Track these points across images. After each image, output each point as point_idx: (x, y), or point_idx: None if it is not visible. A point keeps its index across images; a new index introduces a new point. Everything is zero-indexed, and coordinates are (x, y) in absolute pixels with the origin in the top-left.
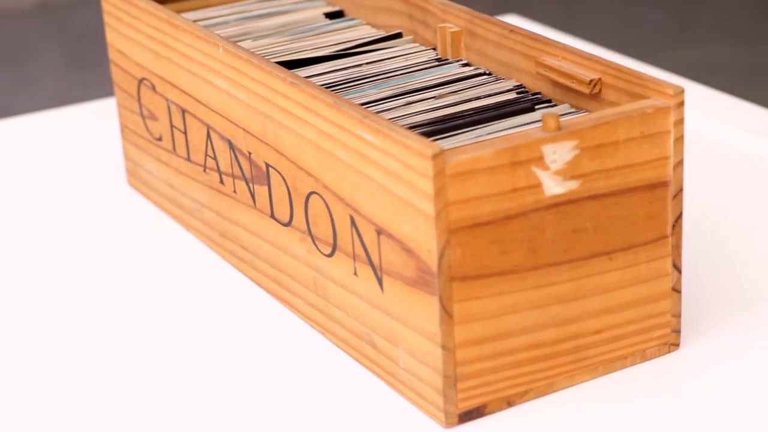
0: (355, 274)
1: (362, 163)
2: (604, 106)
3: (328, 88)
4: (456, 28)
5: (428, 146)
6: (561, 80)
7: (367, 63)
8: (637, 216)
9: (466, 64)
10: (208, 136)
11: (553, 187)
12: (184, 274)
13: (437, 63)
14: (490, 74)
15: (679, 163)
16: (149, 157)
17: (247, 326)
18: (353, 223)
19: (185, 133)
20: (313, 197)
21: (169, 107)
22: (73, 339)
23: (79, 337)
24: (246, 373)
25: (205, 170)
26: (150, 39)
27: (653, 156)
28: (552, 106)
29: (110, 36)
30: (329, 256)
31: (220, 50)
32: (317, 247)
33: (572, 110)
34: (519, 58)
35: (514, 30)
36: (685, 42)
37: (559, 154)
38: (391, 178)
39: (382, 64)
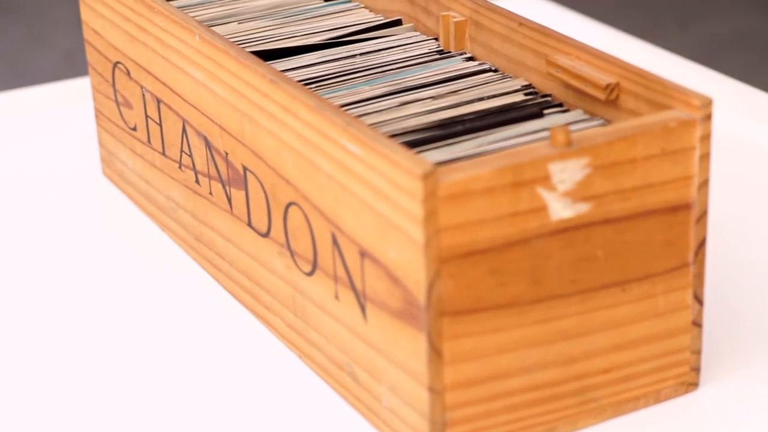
0: (337, 297)
1: (345, 176)
2: (621, 114)
3: (316, 82)
4: (460, 18)
5: (418, 164)
6: (574, 83)
7: (360, 54)
8: (654, 242)
9: (470, 59)
10: (184, 130)
11: (561, 210)
12: (156, 280)
13: (438, 56)
14: (496, 71)
15: (705, 183)
16: (124, 148)
17: (219, 342)
18: (335, 241)
19: (160, 125)
20: (293, 208)
21: (144, 96)
22: (27, 342)
23: (33, 341)
24: (216, 396)
25: (180, 167)
26: (125, 20)
27: (675, 175)
28: (563, 111)
29: (84, 13)
30: (309, 274)
31: (197, 38)
32: (296, 264)
33: (585, 117)
34: (528, 55)
35: (523, 23)
36: (707, 13)
37: (568, 173)
38: (377, 195)
39: (377, 55)
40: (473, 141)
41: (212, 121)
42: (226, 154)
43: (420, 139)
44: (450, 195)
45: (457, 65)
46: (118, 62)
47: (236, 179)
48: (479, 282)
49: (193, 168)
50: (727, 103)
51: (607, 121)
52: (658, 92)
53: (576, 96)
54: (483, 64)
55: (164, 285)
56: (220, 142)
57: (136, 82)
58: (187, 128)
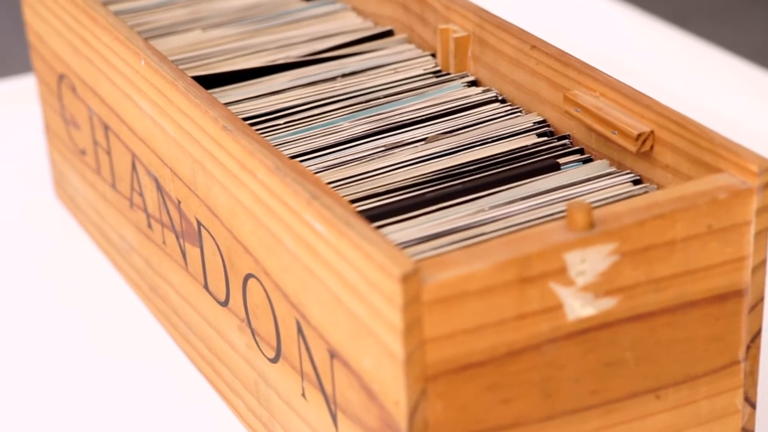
0: (304, 396)
1: (311, 257)
2: (656, 170)
3: (286, 115)
4: (462, 33)
5: (397, 261)
6: (598, 128)
7: (342, 76)
8: (696, 339)
9: (473, 83)
10: (134, 166)
11: (580, 308)
12: (104, 330)
13: (435, 79)
14: (503, 101)
15: (762, 265)
16: (74, 171)
17: (173, 415)
18: (300, 330)
19: (109, 154)
20: (252, 282)
21: (91, 118)
22: None
23: None
24: None
25: (131, 206)
26: (68, 29)
27: (724, 257)
28: (585, 160)
29: (28, 14)
30: (272, 361)
31: (142, 62)
32: (258, 346)
33: (612, 171)
34: (543, 85)
35: (536, 46)
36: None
37: (589, 263)
38: (348, 289)
39: (362, 77)
40: (472, 204)
41: (162, 161)
42: (179, 202)
43: (405, 205)
44: (438, 299)
45: (456, 92)
46: (63, 75)
47: (190, 233)
48: (476, 400)
49: (145, 210)
50: None
51: (639, 178)
52: (704, 149)
53: (601, 140)
54: (488, 91)
55: (115, 338)
56: (171, 188)
57: (83, 100)
58: (137, 164)
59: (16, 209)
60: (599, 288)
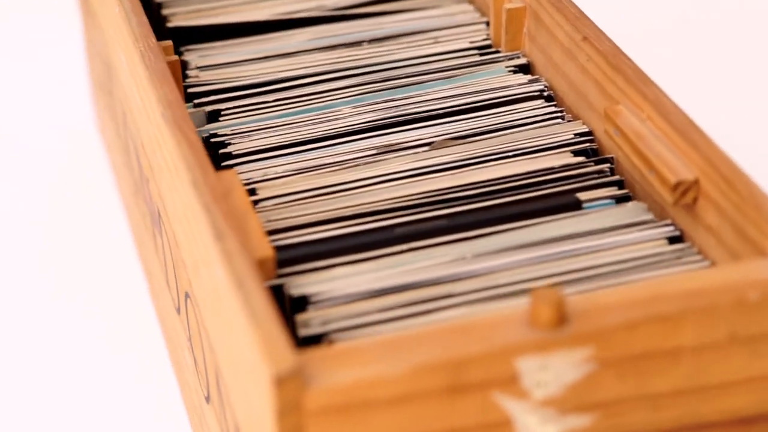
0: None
1: (217, 302)
2: (698, 229)
3: (280, 87)
4: (517, 4)
5: (273, 354)
6: (635, 161)
7: (370, 41)
8: None
9: (522, 68)
10: (125, 124)
11: (538, 426)
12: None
13: (479, 57)
14: (549, 99)
15: None
16: (107, 108)
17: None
18: (218, 384)
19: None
20: (189, 303)
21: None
22: None
23: None
24: None
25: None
26: None
27: (752, 372)
28: (618, 199)
29: None
30: (206, 400)
31: (116, 10)
32: (198, 374)
33: (647, 220)
34: (591, 87)
35: (588, 38)
36: None
37: (553, 371)
38: (240, 358)
39: (393, 45)
40: (452, 248)
41: (138, 129)
42: (147, 180)
43: (368, 241)
44: (328, 408)
45: (497, 79)
46: None
47: (155, 218)
48: None
49: (140, 171)
50: None
51: (680, 234)
52: (749, 218)
53: (643, 177)
54: (536, 81)
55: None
56: (144, 160)
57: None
58: (129, 123)
59: (55, 138)
60: (566, 403)
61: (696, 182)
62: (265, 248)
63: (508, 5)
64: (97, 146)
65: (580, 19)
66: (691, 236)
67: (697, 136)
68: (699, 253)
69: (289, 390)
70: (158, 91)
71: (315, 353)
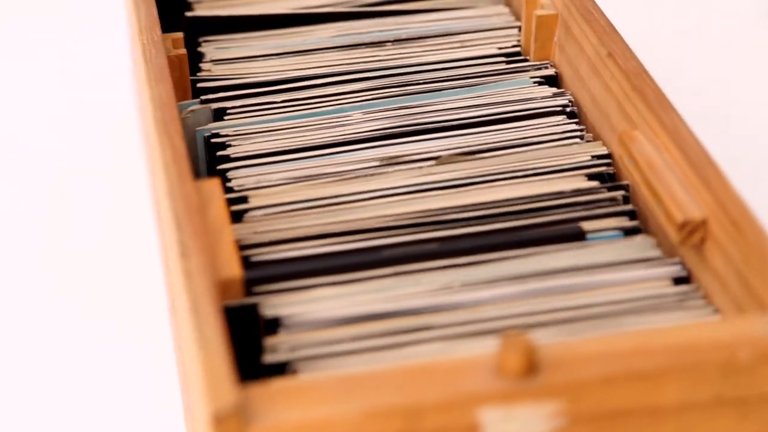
0: None
1: (181, 322)
2: (707, 270)
3: (292, 87)
4: (549, 11)
5: (216, 389)
6: (645, 192)
7: (393, 42)
8: None
9: (549, 80)
10: None
11: None
12: None
13: (504, 65)
14: (571, 115)
15: None
16: None
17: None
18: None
19: None
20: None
21: None
22: None
23: None
24: None
25: None
26: None
27: None
28: (629, 231)
29: None
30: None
31: None
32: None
33: (654, 257)
34: (613, 107)
35: (613, 54)
36: None
37: (519, 422)
38: (194, 381)
39: (417, 46)
40: (440, 275)
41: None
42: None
43: (351, 262)
44: None
45: (520, 90)
46: None
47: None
48: None
49: None
50: None
51: (686, 275)
52: (754, 267)
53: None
54: (561, 95)
55: None
56: None
57: None
58: None
59: (56, 138)
60: None
61: (704, 223)
62: (233, 268)
63: (538, 11)
64: (97, 146)
65: (608, 33)
66: (699, 278)
67: (711, 172)
68: (705, 297)
69: (229, 428)
70: (153, 90)
71: (261, 389)
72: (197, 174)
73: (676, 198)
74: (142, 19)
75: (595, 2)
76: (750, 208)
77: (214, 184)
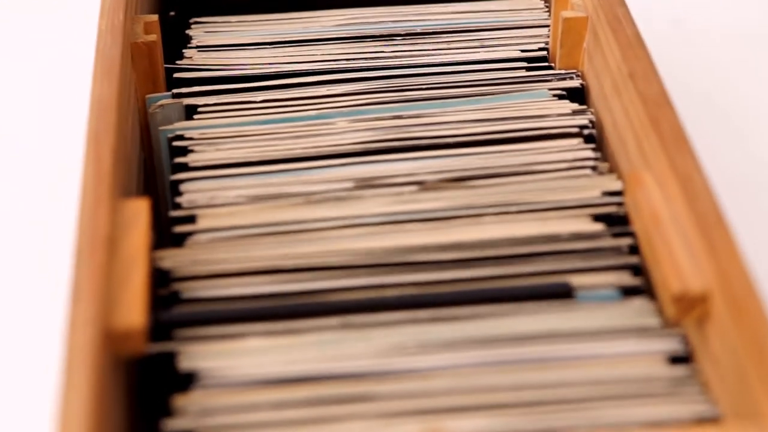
0: None
1: None
2: (709, 349)
3: (276, 84)
4: (578, 13)
5: None
6: (644, 246)
7: (404, 35)
8: None
9: (572, 93)
10: None
11: None
12: None
13: (524, 72)
14: (589, 139)
15: None
16: None
17: None
18: None
19: None
20: None
21: None
22: None
23: None
24: None
25: None
26: None
27: None
28: (628, 291)
29: None
30: None
31: None
32: None
33: (649, 326)
34: (630, 135)
35: (634, 75)
36: None
37: None
38: None
39: (433, 42)
40: (394, 332)
41: None
42: None
43: (294, 309)
44: None
45: (534, 104)
46: None
47: None
48: None
49: None
50: None
51: (686, 353)
52: (755, 366)
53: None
54: (581, 113)
55: None
56: None
57: None
58: None
59: (56, 138)
60: None
61: (703, 299)
62: (135, 316)
63: (566, 13)
64: None
65: (632, 47)
66: (700, 358)
67: (718, 233)
68: (704, 384)
69: None
70: (94, 89)
71: None
72: (159, 183)
73: (678, 263)
74: (107, 0)
75: (626, 8)
76: (755, 284)
77: (140, 206)
